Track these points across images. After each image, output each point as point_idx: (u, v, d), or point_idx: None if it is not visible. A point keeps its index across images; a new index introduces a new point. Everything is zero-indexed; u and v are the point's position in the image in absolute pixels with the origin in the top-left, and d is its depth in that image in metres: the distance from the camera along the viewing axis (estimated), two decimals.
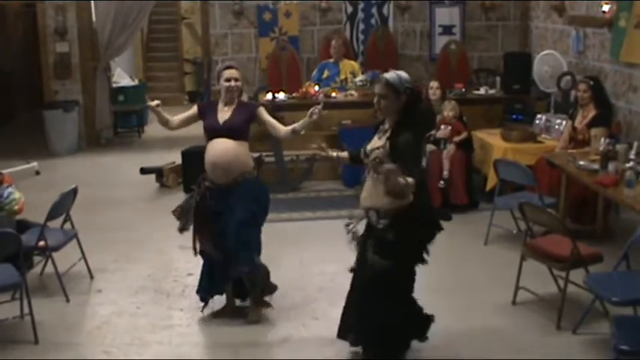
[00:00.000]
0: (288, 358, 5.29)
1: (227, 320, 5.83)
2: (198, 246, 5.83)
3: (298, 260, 6.84)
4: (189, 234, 5.87)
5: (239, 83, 5.74)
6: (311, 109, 5.63)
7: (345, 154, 5.15)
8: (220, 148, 5.57)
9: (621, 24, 8.11)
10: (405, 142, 4.63)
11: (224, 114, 5.69)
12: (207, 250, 5.75)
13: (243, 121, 5.70)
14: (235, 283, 5.86)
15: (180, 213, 5.84)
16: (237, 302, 6.01)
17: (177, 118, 5.87)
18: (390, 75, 4.73)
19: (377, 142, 4.77)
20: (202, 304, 5.92)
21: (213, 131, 5.64)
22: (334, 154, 5.16)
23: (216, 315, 5.91)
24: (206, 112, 5.77)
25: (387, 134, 4.73)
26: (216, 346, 5.55)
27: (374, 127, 4.96)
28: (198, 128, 5.86)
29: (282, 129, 5.91)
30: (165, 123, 5.82)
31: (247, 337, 5.56)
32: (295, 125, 5.82)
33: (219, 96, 5.83)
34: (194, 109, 5.85)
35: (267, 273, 5.87)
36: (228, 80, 5.67)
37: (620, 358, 4.43)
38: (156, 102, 5.70)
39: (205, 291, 5.88)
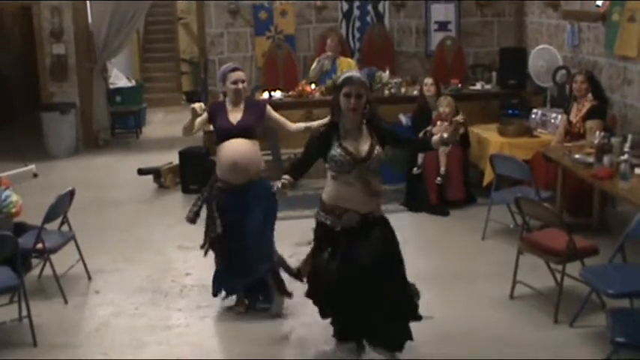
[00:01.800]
0: (287, 358, 5.33)
1: (225, 320, 5.86)
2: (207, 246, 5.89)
3: (296, 259, 6.82)
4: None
5: (245, 84, 5.81)
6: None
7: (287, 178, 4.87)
8: (238, 148, 5.63)
9: (615, 18, 8.13)
10: (389, 125, 5.11)
11: (235, 114, 5.72)
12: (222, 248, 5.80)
13: (255, 120, 5.81)
14: (250, 287, 5.97)
15: (193, 218, 5.89)
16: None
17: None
18: (360, 75, 4.83)
19: (363, 145, 4.73)
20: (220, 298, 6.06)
21: (227, 132, 5.67)
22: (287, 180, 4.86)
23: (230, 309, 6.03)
24: (216, 114, 5.76)
25: (363, 132, 4.78)
26: (213, 347, 5.57)
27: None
28: None
29: (293, 125, 6.06)
30: (190, 130, 5.71)
31: (246, 337, 5.57)
32: (309, 124, 5.95)
33: (218, 97, 5.87)
34: (205, 114, 5.74)
35: (283, 262, 6.01)
36: (235, 83, 5.71)
37: (617, 350, 4.46)
38: (200, 106, 5.54)
39: (220, 286, 5.99)
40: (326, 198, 4.82)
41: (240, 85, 5.72)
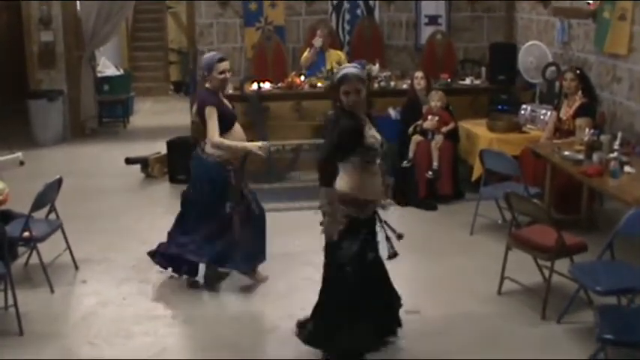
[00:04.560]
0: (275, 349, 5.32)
1: (213, 311, 5.84)
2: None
3: (284, 251, 6.82)
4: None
5: (230, 73, 6.08)
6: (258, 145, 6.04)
7: None
8: (242, 132, 6.04)
9: (605, 15, 8.13)
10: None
11: (225, 101, 6.04)
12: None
13: None
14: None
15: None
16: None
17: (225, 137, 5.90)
18: (356, 70, 4.67)
19: (375, 133, 4.69)
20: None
21: (233, 118, 5.99)
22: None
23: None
24: (219, 104, 5.92)
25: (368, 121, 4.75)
26: (201, 337, 5.55)
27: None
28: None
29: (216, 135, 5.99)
30: None
31: (234, 328, 5.56)
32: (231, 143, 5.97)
33: (204, 85, 6.03)
34: (215, 112, 5.82)
35: None
36: (223, 72, 5.91)
37: (604, 347, 4.48)
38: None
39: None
40: (347, 189, 4.60)
41: (228, 75, 5.97)
